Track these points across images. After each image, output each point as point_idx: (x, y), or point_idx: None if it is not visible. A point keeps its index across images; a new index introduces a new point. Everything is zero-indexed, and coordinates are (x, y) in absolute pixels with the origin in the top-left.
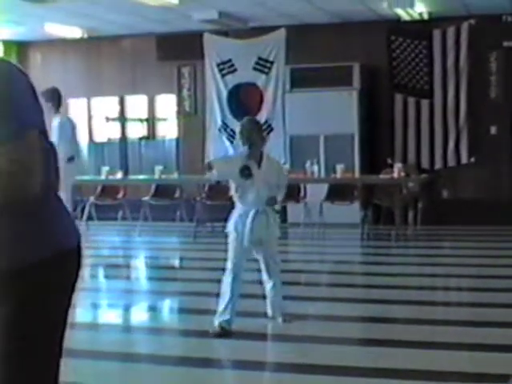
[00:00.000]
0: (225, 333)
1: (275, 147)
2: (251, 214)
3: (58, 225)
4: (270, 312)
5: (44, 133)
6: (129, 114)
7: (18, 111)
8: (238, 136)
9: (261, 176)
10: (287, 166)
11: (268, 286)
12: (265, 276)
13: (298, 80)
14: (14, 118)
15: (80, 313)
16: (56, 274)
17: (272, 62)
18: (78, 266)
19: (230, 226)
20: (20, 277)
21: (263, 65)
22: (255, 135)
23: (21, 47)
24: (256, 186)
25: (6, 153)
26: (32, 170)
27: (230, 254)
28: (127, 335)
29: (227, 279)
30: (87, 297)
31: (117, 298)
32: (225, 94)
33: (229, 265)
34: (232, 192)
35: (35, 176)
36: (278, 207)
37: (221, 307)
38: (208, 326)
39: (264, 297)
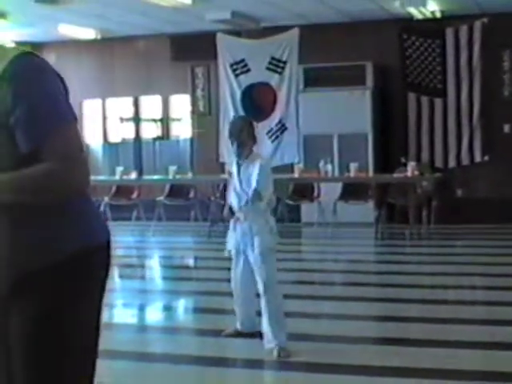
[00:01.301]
0: (235, 334)
1: (289, 147)
2: (233, 219)
3: (84, 221)
4: (264, 341)
5: None
6: (143, 114)
7: (56, 106)
8: (227, 135)
9: (238, 181)
10: (301, 165)
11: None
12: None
13: (312, 79)
14: (53, 114)
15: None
16: (81, 270)
17: (285, 62)
18: (106, 263)
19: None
20: (47, 274)
21: (276, 65)
22: (245, 134)
23: (35, 48)
24: (235, 191)
25: (49, 151)
26: (76, 166)
27: (233, 273)
28: (142, 335)
29: (237, 283)
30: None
31: (132, 297)
32: (238, 94)
33: (234, 269)
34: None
35: (80, 172)
36: (266, 204)
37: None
38: (223, 326)
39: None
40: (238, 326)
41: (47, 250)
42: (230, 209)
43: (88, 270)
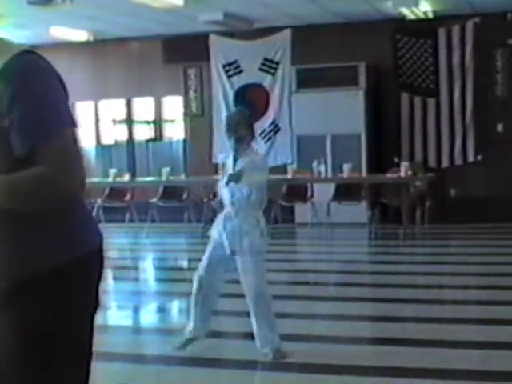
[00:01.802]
0: (187, 342)
1: (282, 147)
2: (222, 216)
3: (81, 225)
4: (258, 345)
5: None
6: (136, 116)
7: (54, 110)
8: (224, 129)
9: (237, 167)
10: (294, 166)
11: (250, 310)
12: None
13: (304, 80)
14: (52, 116)
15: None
16: (77, 275)
17: (278, 63)
18: (100, 267)
19: (213, 230)
20: (42, 280)
21: (269, 65)
22: (243, 129)
23: None
24: (228, 186)
25: (45, 154)
26: (72, 170)
27: (205, 255)
28: (136, 336)
29: (200, 285)
30: None
31: (125, 299)
32: (231, 95)
33: (197, 272)
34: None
35: (76, 176)
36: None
37: (190, 315)
38: (217, 327)
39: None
40: (190, 334)
41: (45, 255)
42: (221, 203)
43: (84, 275)
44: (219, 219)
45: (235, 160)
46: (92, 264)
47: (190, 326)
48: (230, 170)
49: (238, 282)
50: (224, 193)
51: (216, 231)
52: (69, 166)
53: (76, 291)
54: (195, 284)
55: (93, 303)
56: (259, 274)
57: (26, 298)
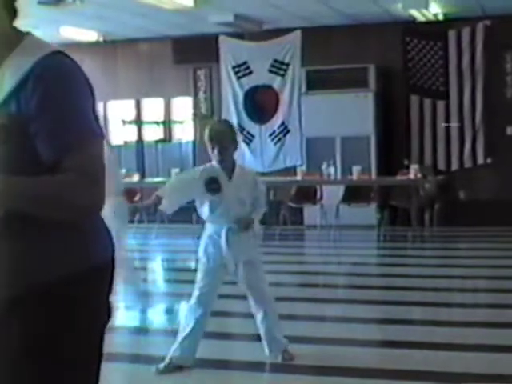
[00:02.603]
0: (172, 368)
1: (292, 149)
2: (223, 232)
3: (95, 237)
4: (266, 350)
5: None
6: (145, 116)
7: (83, 119)
8: (206, 140)
9: (231, 190)
10: (303, 168)
11: (258, 316)
12: (253, 306)
13: (314, 82)
14: (80, 126)
15: None
16: (89, 288)
17: (288, 64)
18: (111, 278)
19: (200, 250)
20: (52, 291)
21: (279, 67)
22: (228, 140)
23: None
24: (225, 202)
25: (73, 164)
26: (99, 183)
27: (199, 283)
28: (144, 337)
29: (192, 312)
30: None
31: (134, 300)
32: (241, 96)
33: (195, 296)
34: (198, 210)
35: (101, 190)
36: (257, 229)
37: (177, 340)
38: (225, 328)
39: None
40: (176, 361)
41: (57, 266)
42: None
43: (96, 287)
44: (206, 238)
45: (230, 177)
46: (104, 276)
47: (177, 353)
48: (229, 194)
49: (234, 282)
50: (218, 210)
51: (208, 248)
52: (96, 179)
53: (87, 303)
54: (198, 311)
55: (104, 315)
56: (264, 279)
57: (35, 308)
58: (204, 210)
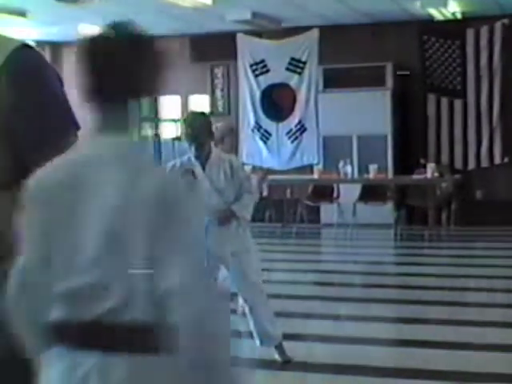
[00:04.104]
0: None
1: (308, 147)
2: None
3: None
4: (257, 342)
5: None
6: (162, 114)
7: (62, 109)
8: (183, 134)
9: (205, 180)
10: (320, 166)
11: (247, 308)
12: (242, 298)
13: (331, 80)
14: (60, 117)
15: None
16: None
17: (305, 63)
18: None
19: None
20: None
21: (296, 65)
22: (204, 135)
23: (54, 48)
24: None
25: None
26: None
27: None
28: None
29: None
30: None
31: None
32: (258, 94)
33: None
34: None
35: None
36: (247, 217)
37: None
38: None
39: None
40: None
41: None
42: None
43: None
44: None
45: (203, 168)
46: None
47: None
48: (204, 182)
49: None
50: (209, 199)
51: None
52: None
53: None
54: None
55: None
56: (258, 270)
57: None
58: None
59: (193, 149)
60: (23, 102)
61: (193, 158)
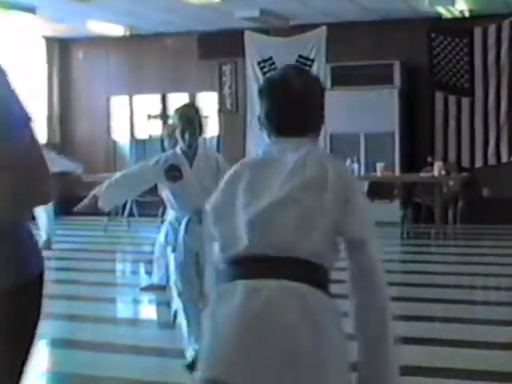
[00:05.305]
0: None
1: None
2: (184, 221)
3: (28, 246)
4: None
5: None
6: (170, 111)
7: (13, 106)
8: (175, 124)
9: (193, 177)
10: None
11: None
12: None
13: (339, 78)
14: (15, 112)
15: (121, 308)
16: (24, 300)
17: (313, 60)
18: (41, 291)
19: (161, 236)
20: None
21: (304, 63)
22: (197, 122)
23: (63, 44)
24: (187, 189)
25: (12, 156)
26: (40, 175)
27: (174, 276)
28: (162, 331)
29: (182, 311)
30: (128, 293)
31: (158, 293)
32: None
33: (173, 286)
34: (163, 196)
35: (49, 179)
36: None
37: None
38: None
39: None
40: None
41: (19, 269)
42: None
43: (28, 299)
44: (167, 225)
45: (191, 164)
46: (37, 289)
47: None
48: (191, 182)
49: None
50: (180, 198)
51: (169, 236)
52: (38, 171)
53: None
54: (180, 304)
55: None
56: None
57: None
58: (167, 197)
59: (187, 136)
60: None
61: (178, 151)
